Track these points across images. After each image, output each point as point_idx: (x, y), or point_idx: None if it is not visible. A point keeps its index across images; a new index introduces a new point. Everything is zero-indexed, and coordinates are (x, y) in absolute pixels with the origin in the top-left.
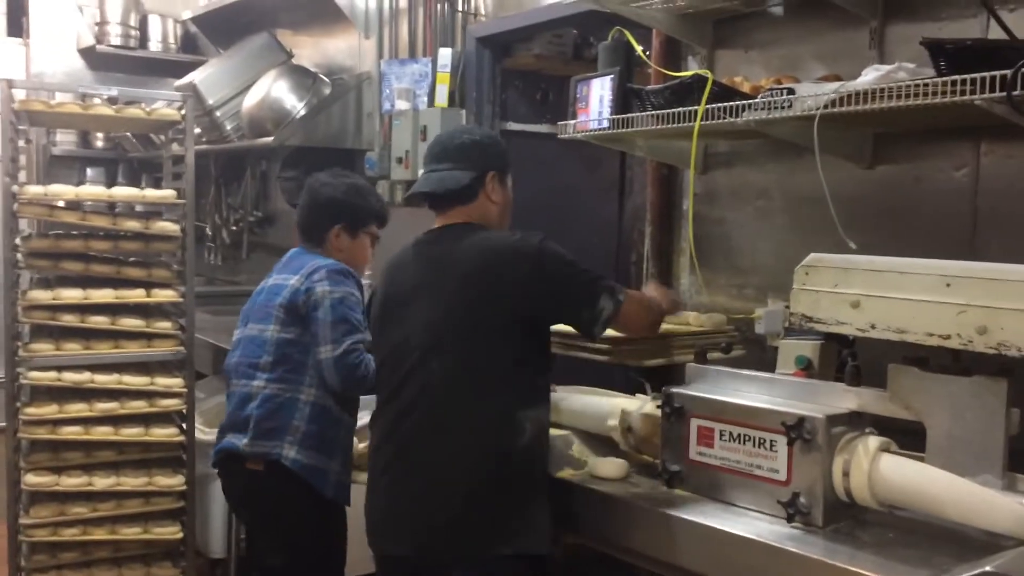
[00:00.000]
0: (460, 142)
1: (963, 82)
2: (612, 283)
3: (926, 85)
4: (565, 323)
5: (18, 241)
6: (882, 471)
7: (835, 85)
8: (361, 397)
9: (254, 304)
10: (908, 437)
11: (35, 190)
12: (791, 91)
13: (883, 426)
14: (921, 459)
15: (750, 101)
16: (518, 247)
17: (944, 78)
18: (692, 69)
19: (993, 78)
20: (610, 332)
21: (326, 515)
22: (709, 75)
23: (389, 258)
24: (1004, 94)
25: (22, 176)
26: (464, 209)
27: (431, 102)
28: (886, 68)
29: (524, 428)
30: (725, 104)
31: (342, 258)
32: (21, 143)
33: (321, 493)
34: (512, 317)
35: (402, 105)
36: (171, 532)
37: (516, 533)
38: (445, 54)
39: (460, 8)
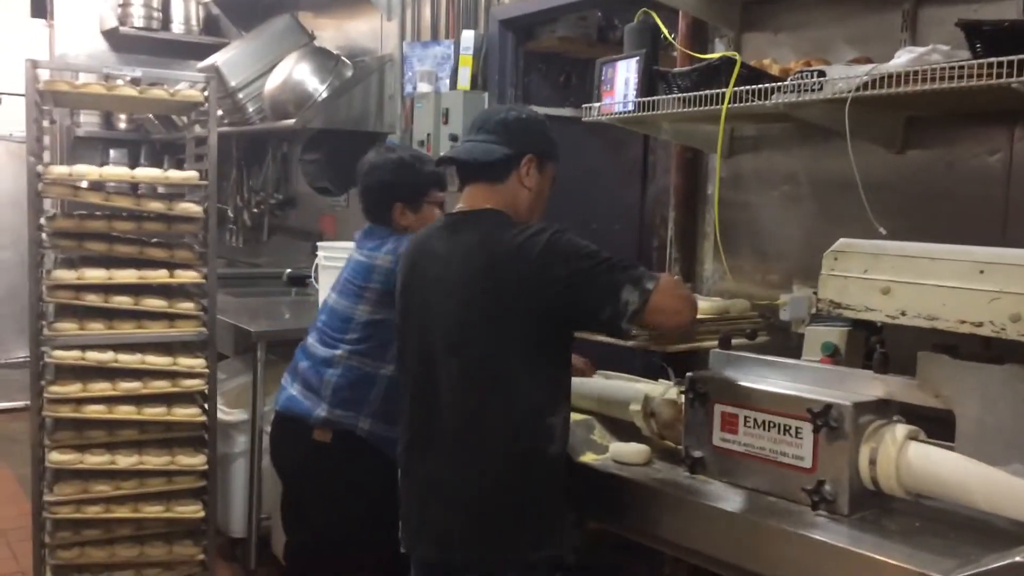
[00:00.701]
0: (502, 117)
1: (1000, 64)
2: (638, 271)
3: (961, 67)
4: (589, 328)
5: (43, 221)
6: (910, 459)
7: (867, 67)
8: None
9: (342, 274)
10: (936, 425)
11: (60, 170)
12: (822, 73)
13: (911, 414)
14: (950, 448)
15: (779, 84)
16: (526, 244)
17: (980, 60)
18: (719, 52)
19: None
20: None
21: (393, 482)
22: (737, 57)
23: (415, 237)
24: None
25: (46, 157)
26: (492, 188)
27: (453, 85)
28: (920, 50)
29: (547, 428)
30: (753, 87)
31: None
32: (45, 124)
33: (390, 457)
34: (525, 317)
35: (424, 88)
36: (193, 511)
37: (546, 537)
38: (468, 36)
39: None
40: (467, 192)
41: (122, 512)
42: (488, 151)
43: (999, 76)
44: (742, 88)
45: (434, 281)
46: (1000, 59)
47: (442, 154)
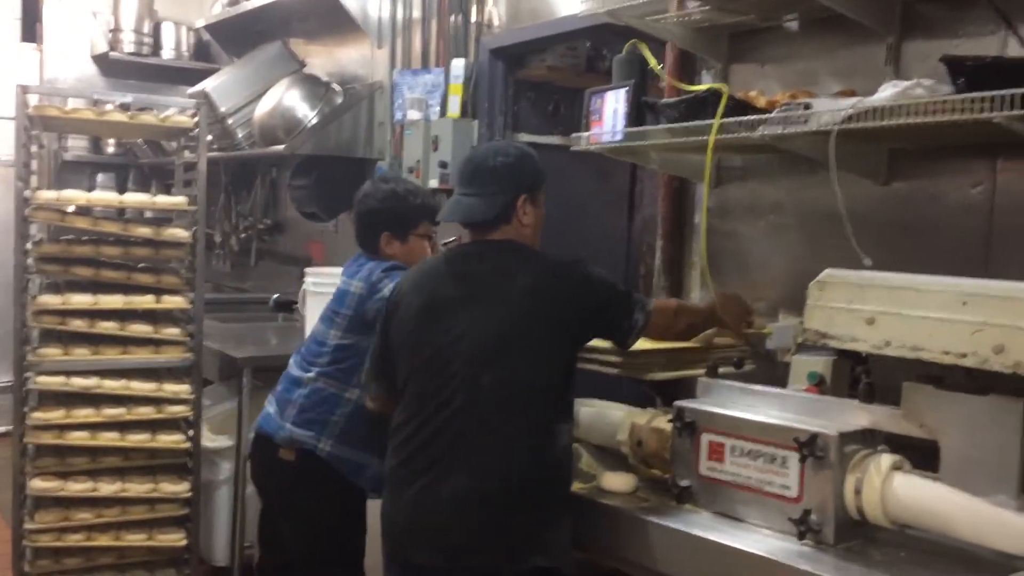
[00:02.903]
0: (492, 166)
1: (983, 100)
2: (641, 297)
3: (945, 102)
4: (605, 339)
5: (29, 246)
6: (895, 490)
7: (852, 100)
8: None
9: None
10: (921, 455)
11: (47, 195)
12: (808, 106)
13: (896, 444)
14: (935, 478)
15: (766, 116)
16: (570, 271)
17: (963, 95)
18: (706, 83)
19: (1013, 96)
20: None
21: (355, 508)
22: (725, 89)
23: (422, 264)
24: None
25: (34, 181)
26: (499, 229)
27: (443, 112)
28: (904, 84)
29: (559, 441)
30: (741, 118)
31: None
32: (34, 148)
33: (355, 484)
34: (561, 336)
35: (414, 115)
36: (175, 539)
37: (548, 545)
38: (458, 65)
39: (473, 19)
40: (472, 231)
41: (104, 540)
42: (486, 207)
43: (982, 110)
44: (730, 120)
45: (463, 299)
46: (983, 94)
47: (443, 217)
